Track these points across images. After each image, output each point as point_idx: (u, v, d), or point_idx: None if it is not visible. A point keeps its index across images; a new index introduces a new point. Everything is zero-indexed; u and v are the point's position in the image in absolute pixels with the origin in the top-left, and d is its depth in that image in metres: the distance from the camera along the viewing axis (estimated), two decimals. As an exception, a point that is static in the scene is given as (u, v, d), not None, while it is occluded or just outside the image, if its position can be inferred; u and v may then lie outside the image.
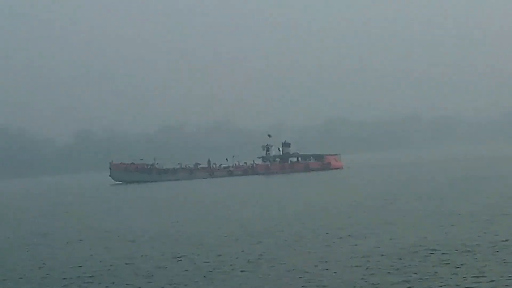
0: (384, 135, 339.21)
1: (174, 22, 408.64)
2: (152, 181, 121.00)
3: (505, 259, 22.79)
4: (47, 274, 25.59)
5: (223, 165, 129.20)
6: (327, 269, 22.98)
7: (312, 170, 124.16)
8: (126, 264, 26.65)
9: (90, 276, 24.42)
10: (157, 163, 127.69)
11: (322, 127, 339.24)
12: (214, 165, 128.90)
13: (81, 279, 23.99)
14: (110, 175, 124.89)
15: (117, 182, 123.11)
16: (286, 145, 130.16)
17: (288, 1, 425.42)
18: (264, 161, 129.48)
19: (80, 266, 26.67)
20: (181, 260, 26.87)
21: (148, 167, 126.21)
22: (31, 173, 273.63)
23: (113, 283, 23.12)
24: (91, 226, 43.25)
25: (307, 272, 22.67)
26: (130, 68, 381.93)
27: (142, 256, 28.51)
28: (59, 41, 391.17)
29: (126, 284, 22.66)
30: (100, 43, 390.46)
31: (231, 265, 24.89)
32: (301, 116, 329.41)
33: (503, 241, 26.66)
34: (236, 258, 26.36)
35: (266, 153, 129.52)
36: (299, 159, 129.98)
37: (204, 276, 23.06)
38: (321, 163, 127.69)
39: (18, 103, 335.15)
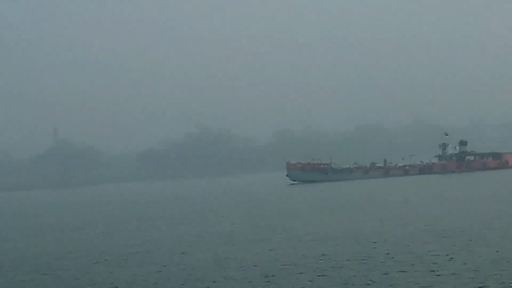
0: None
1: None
2: (328, 181, 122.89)
3: None
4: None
5: (399, 164, 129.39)
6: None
7: (490, 169, 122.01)
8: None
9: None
10: (333, 163, 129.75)
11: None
12: (389, 164, 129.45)
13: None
14: (287, 175, 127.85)
15: (294, 182, 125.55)
16: (463, 143, 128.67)
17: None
18: (440, 160, 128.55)
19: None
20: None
21: (324, 166, 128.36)
22: (233, 171, 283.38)
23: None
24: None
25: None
26: (328, 66, 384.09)
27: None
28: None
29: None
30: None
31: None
32: (501, 112, 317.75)
33: None
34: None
35: (443, 152, 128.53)
36: (476, 157, 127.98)
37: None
38: (499, 161, 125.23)
39: (220, 104, 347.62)
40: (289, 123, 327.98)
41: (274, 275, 24.48)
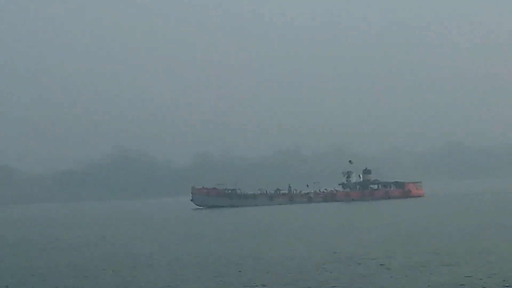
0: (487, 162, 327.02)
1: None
2: (232, 206, 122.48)
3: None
4: None
5: (303, 191, 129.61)
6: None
7: (392, 198, 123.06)
8: None
9: None
10: (238, 188, 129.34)
11: (438, 152, 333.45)
12: (294, 191, 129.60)
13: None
14: (191, 199, 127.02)
15: (199, 207, 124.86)
16: (366, 172, 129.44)
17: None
18: (344, 188, 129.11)
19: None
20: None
21: (229, 192, 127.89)
22: (151, 194, 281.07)
23: None
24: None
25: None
26: (251, 92, 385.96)
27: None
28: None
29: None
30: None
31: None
32: (420, 140, 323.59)
33: None
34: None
35: (347, 180, 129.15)
36: (379, 186, 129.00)
37: None
38: (402, 190, 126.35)
39: (138, 125, 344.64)
40: (209, 146, 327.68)
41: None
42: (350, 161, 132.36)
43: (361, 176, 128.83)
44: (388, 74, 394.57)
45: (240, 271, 31.54)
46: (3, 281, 32.60)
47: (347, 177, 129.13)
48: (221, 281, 28.53)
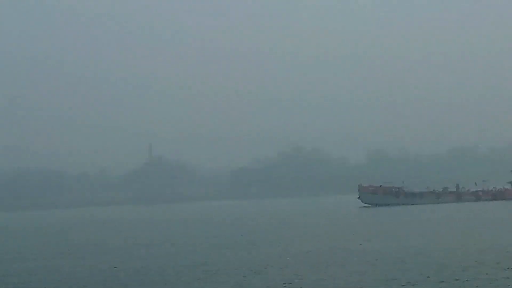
0: None
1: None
2: (399, 204, 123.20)
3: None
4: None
5: (471, 190, 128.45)
6: None
7: None
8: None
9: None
10: (405, 187, 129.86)
11: None
12: (462, 189, 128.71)
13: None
14: (358, 198, 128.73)
15: (366, 205, 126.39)
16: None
17: None
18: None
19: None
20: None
21: (396, 190, 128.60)
22: (323, 191, 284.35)
23: None
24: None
25: None
26: (425, 86, 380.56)
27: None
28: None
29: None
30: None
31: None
32: None
33: None
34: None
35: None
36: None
37: None
38: None
39: (313, 124, 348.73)
40: (383, 143, 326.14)
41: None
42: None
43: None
44: None
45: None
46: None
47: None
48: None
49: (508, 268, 30.34)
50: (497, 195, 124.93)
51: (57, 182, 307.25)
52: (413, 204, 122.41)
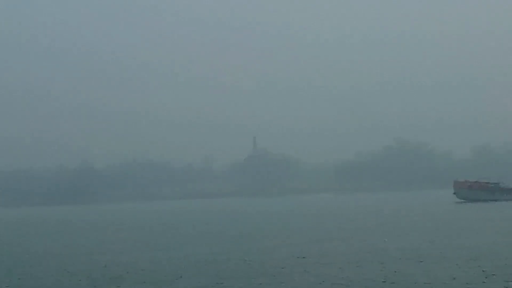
0: None
1: None
2: (495, 200, 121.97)
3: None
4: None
5: None
6: None
7: None
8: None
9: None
10: (502, 182, 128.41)
11: None
12: None
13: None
14: (454, 193, 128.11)
15: (461, 200, 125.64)
16: None
17: None
18: None
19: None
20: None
21: (492, 185, 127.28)
22: (429, 185, 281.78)
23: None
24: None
25: None
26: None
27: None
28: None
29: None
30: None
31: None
32: None
33: None
34: None
35: None
36: None
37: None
38: None
39: (419, 117, 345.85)
40: (489, 138, 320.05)
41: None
42: None
43: None
44: None
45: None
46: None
47: None
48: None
49: None
50: None
51: (163, 173, 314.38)
52: (509, 200, 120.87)
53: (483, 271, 30.57)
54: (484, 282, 27.76)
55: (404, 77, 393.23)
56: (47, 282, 32.33)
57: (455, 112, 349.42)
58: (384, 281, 28.79)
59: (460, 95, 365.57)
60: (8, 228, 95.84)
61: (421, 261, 35.05)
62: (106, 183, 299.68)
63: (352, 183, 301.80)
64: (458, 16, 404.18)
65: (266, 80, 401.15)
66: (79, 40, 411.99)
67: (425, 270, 31.67)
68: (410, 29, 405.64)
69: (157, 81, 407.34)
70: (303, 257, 38.39)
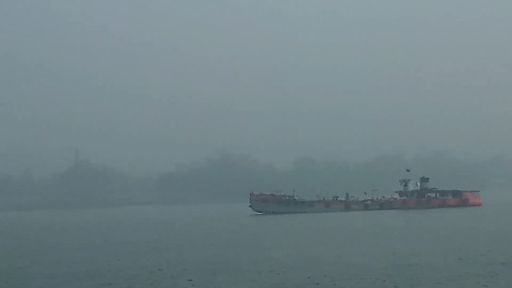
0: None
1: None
2: (289, 212, 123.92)
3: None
4: None
5: (360, 199, 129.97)
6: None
7: (449, 206, 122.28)
8: None
9: None
10: (296, 195, 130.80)
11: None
12: (351, 198, 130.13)
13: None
14: (250, 205, 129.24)
15: (257, 212, 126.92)
16: (424, 180, 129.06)
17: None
18: (401, 196, 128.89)
19: None
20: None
21: (286, 198, 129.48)
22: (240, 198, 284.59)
23: None
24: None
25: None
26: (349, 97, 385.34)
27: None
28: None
29: None
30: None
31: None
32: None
33: None
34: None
35: (404, 188, 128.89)
36: (437, 194, 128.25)
37: None
38: (459, 199, 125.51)
39: (240, 131, 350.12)
40: (311, 151, 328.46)
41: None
42: (407, 169, 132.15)
43: (418, 184, 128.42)
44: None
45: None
46: None
47: (404, 185, 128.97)
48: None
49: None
50: (385, 204, 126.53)
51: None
52: (303, 212, 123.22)
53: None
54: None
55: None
56: None
57: (277, 126, 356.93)
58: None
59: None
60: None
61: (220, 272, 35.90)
62: None
63: (174, 195, 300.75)
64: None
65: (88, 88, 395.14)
66: None
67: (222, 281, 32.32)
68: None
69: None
70: None
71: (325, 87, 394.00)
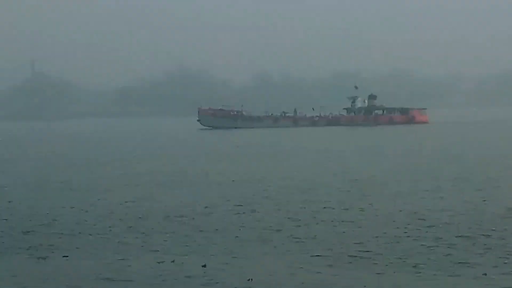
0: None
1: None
2: (238, 128, 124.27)
3: None
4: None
5: (308, 115, 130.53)
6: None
7: (396, 124, 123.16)
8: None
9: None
10: (244, 110, 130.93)
11: (502, 77, 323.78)
12: (299, 114, 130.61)
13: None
14: (198, 120, 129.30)
15: (205, 127, 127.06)
16: (372, 97, 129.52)
17: None
18: (349, 113, 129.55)
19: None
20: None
21: (235, 113, 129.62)
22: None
23: None
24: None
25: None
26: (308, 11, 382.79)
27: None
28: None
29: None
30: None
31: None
32: (482, 64, 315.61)
33: None
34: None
35: (352, 105, 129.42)
36: (384, 112, 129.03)
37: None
38: (406, 116, 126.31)
39: (200, 45, 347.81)
40: (268, 66, 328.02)
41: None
42: (356, 86, 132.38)
43: (366, 101, 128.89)
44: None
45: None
46: None
47: (352, 102, 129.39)
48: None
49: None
50: (332, 121, 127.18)
51: None
52: (251, 127, 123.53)
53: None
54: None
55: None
56: None
57: (235, 41, 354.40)
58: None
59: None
60: None
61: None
62: None
63: (133, 109, 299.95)
64: None
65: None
66: None
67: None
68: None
69: None
70: None
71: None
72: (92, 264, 17.84)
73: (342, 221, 23.28)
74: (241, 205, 27.39)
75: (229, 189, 33.44)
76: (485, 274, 15.88)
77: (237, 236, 21.07)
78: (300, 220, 23.70)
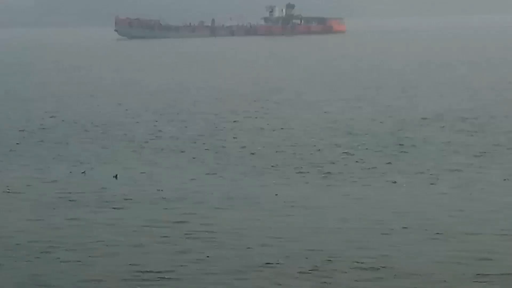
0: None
1: None
2: (155, 37, 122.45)
3: None
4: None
5: (226, 25, 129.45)
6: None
7: (314, 33, 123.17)
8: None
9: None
10: (162, 19, 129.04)
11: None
12: (217, 24, 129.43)
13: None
14: (115, 30, 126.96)
15: (122, 37, 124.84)
16: (290, 6, 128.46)
17: None
18: (267, 22, 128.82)
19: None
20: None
21: (152, 23, 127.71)
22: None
23: None
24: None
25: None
26: None
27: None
28: None
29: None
30: None
31: None
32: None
33: None
34: None
35: (270, 14, 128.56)
36: (302, 21, 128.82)
37: None
38: (323, 26, 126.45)
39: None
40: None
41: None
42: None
43: (284, 10, 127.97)
44: None
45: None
46: None
47: (270, 12, 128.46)
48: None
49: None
50: (250, 31, 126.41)
51: None
52: (169, 37, 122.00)
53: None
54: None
55: None
56: None
57: None
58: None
59: None
60: None
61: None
62: None
63: (52, 17, 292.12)
64: None
65: None
66: None
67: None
68: None
69: None
70: None
71: None
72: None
73: (261, 129, 23.51)
74: (161, 115, 27.30)
75: (148, 98, 33.32)
76: (395, 182, 16.20)
77: (156, 148, 21.02)
78: (221, 130, 23.78)
